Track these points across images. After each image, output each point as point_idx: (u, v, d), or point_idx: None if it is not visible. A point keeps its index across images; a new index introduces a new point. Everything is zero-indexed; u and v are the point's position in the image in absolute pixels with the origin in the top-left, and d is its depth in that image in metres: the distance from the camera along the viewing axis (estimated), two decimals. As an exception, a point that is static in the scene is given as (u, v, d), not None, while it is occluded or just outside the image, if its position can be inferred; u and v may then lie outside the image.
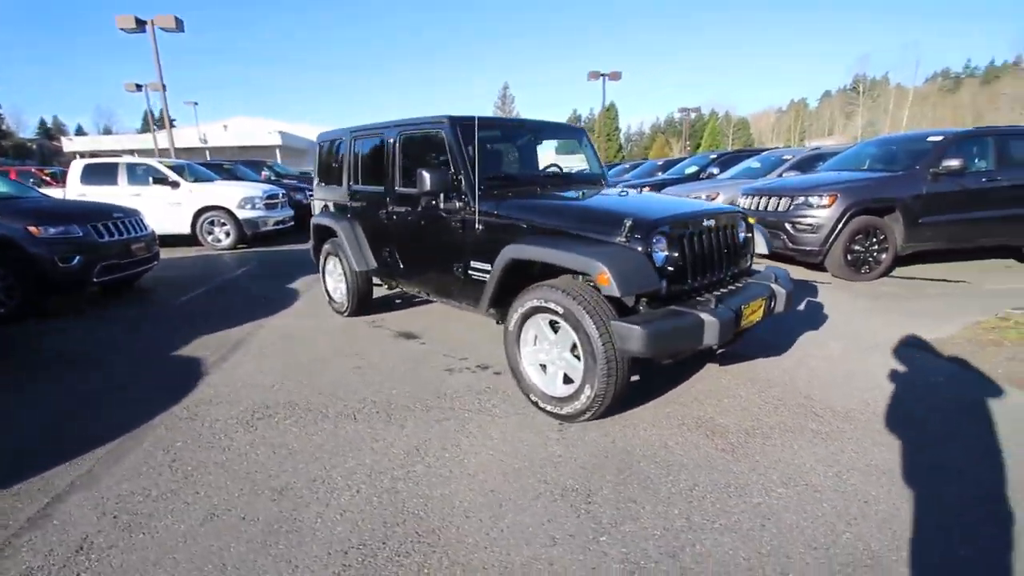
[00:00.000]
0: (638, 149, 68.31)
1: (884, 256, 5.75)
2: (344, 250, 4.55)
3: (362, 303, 4.78)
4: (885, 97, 64.21)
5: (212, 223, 9.46)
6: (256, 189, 9.80)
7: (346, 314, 4.85)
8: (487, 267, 3.27)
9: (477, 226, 3.24)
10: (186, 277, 7.12)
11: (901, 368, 3.42)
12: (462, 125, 3.42)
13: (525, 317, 2.86)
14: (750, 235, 3.30)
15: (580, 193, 3.31)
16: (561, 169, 4.08)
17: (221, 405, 3.13)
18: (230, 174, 11.68)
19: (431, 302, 5.32)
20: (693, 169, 11.15)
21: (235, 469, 2.44)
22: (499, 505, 2.13)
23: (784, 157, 8.59)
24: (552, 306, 2.66)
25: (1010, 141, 5.91)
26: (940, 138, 5.87)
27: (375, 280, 4.75)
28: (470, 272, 3.40)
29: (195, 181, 9.60)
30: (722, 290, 2.95)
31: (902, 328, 4.18)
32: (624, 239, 2.59)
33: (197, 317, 5.08)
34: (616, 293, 2.38)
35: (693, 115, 51.47)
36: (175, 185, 9.31)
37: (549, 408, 2.80)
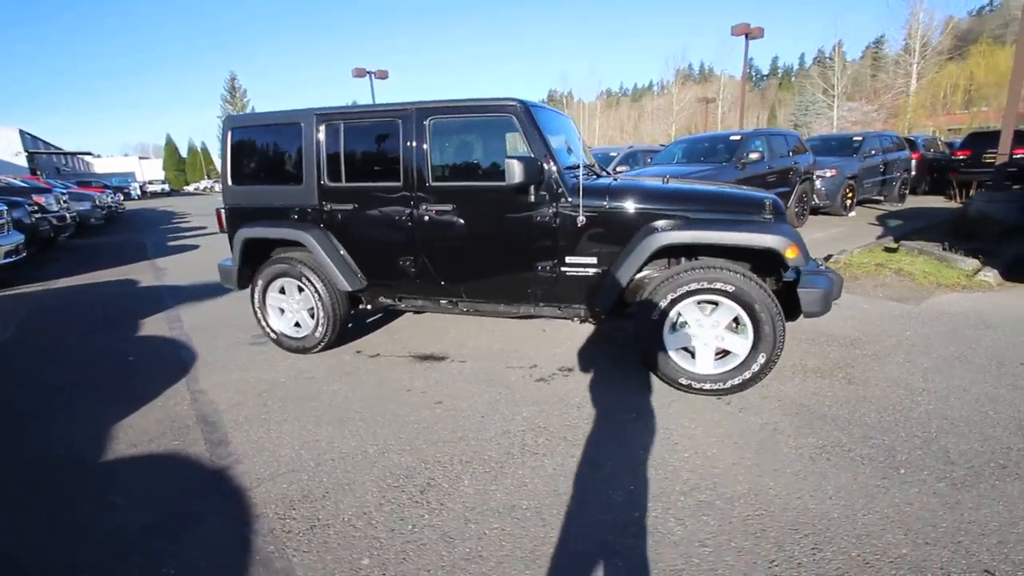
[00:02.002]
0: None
1: (723, 228, 7.40)
2: (323, 267, 3.55)
3: (342, 331, 3.82)
4: (571, 109, 79.22)
5: None
6: (-36, 205, 6.40)
7: (318, 348, 3.79)
8: (590, 261, 3.09)
9: (580, 219, 3.01)
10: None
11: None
12: (534, 108, 3.10)
13: (674, 302, 2.85)
14: None
15: (664, 178, 3.39)
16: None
17: (334, 496, 2.18)
18: None
19: (394, 317, 4.60)
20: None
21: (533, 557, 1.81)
22: (820, 478, 2.17)
23: (611, 154, 10.05)
24: (719, 286, 2.73)
25: (773, 138, 8.30)
26: (739, 137, 7.85)
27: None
28: (564, 269, 3.13)
29: None
30: None
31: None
32: (770, 217, 2.84)
33: (56, 402, 3.23)
34: (802, 264, 2.63)
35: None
36: None
37: (707, 387, 2.87)
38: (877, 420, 2.61)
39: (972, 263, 5.12)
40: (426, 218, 3.31)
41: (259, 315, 3.88)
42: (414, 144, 3.26)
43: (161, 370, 3.70)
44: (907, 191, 11.45)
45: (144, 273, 7.51)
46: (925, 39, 32.21)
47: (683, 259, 3.12)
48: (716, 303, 2.84)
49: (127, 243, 11.32)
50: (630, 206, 2.99)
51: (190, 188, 56.58)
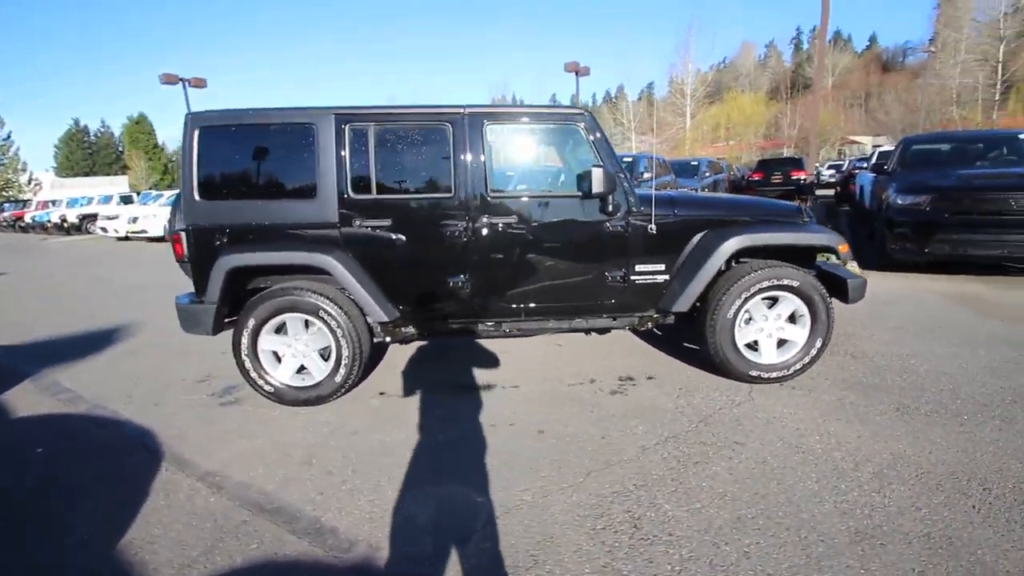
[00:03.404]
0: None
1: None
2: (353, 295, 2.96)
3: (364, 371, 3.22)
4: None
5: None
6: None
7: (337, 396, 3.12)
8: (659, 268, 3.15)
9: (651, 228, 3.05)
10: None
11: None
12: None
13: (746, 300, 3.05)
14: None
15: (697, 188, 3.60)
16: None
17: (546, 557, 1.84)
18: None
19: (381, 352, 4.01)
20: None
21: (785, 567, 1.73)
22: (923, 434, 2.51)
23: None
24: (787, 282, 3.02)
25: (650, 160, 9.42)
26: (631, 159, 8.74)
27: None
28: (635, 278, 3.13)
29: None
30: None
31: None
32: (808, 220, 3.24)
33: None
34: (850, 258, 3.05)
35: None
36: None
37: (775, 375, 3.13)
38: (904, 382, 3.15)
39: (837, 257, 6.49)
40: (484, 231, 3.00)
41: (248, 365, 3.03)
42: (468, 150, 2.95)
43: (111, 458, 2.67)
44: (729, 205, 14.05)
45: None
46: (691, 86, 40.03)
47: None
48: (776, 298, 3.13)
49: None
50: (696, 214, 3.15)
51: None
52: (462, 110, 2.97)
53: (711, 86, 46.67)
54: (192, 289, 3.27)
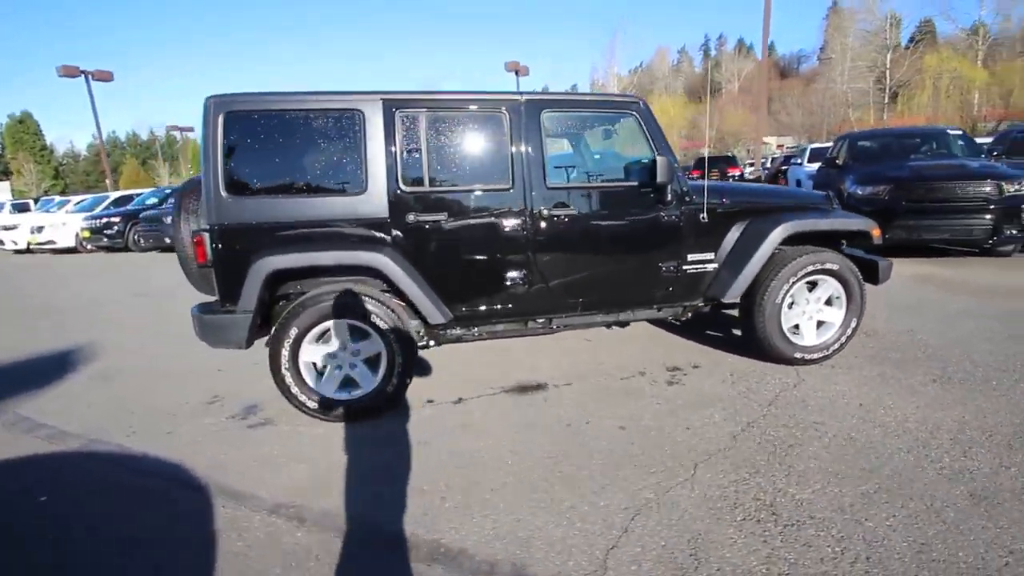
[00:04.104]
0: (76, 175, 51.35)
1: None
2: (412, 297, 2.75)
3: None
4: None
5: None
6: None
7: (390, 406, 2.88)
8: (708, 257, 3.18)
9: (702, 216, 3.07)
10: None
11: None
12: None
13: (792, 285, 3.15)
14: None
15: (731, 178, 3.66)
16: None
17: (707, 555, 1.77)
18: None
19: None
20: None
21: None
22: (968, 400, 2.70)
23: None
24: (828, 266, 3.15)
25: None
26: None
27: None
28: (686, 267, 3.13)
29: None
30: None
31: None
32: (836, 207, 3.41)
33: None
34: (879, 242, 3.24)
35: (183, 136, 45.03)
36: None
37: (816, 356, 3.26)
38: (925, 355, 3.40)
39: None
40: (543, 225, 2.88)
41: (289, 379, 2.72)
42: (527, 140, 2.82)
43: (143, 500, 2.29)
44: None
45: None
46: (616, 88, 41.70)
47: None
48: (816, 282, 3.27)
49: None
50: (742, 202, 3.21)
51: None
52: (520, 97, 2.83)
53: (634, 88, 48.80)
54: (200, 299, 2.94)
